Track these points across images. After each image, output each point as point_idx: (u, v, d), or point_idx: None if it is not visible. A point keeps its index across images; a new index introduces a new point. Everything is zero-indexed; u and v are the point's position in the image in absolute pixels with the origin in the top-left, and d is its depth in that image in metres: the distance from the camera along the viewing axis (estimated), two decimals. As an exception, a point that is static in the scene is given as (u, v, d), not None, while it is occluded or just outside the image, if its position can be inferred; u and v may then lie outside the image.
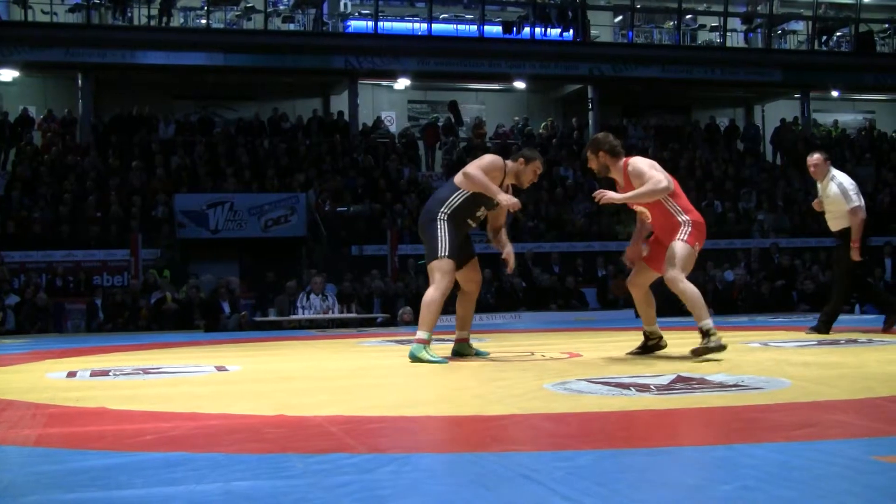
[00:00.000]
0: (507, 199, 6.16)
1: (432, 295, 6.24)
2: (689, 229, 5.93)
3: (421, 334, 6.20)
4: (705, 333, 5.78)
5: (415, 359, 6.11)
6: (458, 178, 6.40)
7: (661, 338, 6.41)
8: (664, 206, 6.01)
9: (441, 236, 6.27)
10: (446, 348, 6.68)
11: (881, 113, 27.96)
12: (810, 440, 2.95)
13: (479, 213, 6.46)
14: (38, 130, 20.61)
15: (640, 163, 6.08)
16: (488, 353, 6.66)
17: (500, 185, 6.34)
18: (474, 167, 6.30)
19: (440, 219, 6.31)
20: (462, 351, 6.61)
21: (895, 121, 27.46)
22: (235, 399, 4.57)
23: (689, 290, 5.86)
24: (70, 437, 3.43)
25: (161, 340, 10.65)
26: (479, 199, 6.34)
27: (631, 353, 6.40)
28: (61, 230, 16.76)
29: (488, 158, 6.42)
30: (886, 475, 2.49)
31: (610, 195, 5.92)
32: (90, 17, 20.62)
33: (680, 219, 5.98)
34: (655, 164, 6.10)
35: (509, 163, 6.40)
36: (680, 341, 6.66)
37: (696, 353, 5.75)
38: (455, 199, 6.32)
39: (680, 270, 5.86)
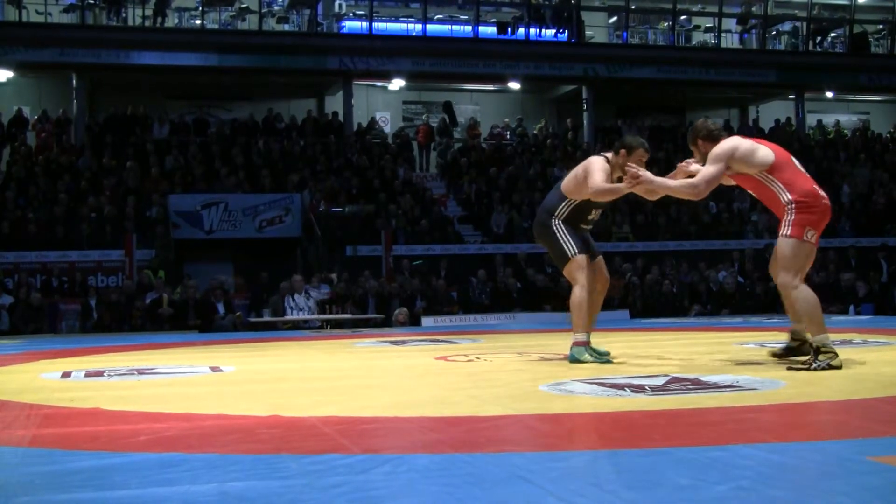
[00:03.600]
0: (628, 182, 5.86)
1: (576, 294, 6.13)
2: (793, 216, 5.10)
3: (577, 337, 6.08)
4: (816, 351, 5.00)
5: (574, 360, 5.96)
6: (565, 186, 6.26)
7: (804, 341, 5.42)
8: (766, 185, 5.28)
9: (563, 238, 6.18)
10: (440, 349, 6.66)
11: (875, 114, 28.01)
12: (805, 441, 2.96)
13: (591, 217, 6.34)
14: (33, 131, 20.54)
15: (718, 147, 5.37)
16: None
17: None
18: (594, 180, 5.99)
19: (555, 225, 6.22)
20: None
21: (889, 121, 27.51)
22: (230, 400, 4.57)
23: (801, 298, 5.08)
24: (64, 438, 3.43)
25: (155, 341, 10.62)
26: (589, 204, 6.21)
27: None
28: (56, 230, 16.71)
29: (598, 165, 6.09)
30: (880, 476, 2.50)
31: (644, 176, 5.53)
32: (84, 18, 20.55)
33: (783, 198, 5.18)
34: (734, 151, 5.31)
35: (610, 156, 6.18)
36: (675, 341, 6.66)
37: (791, 369, 5.00)
38: (563, 209, 6.22)
39: (792, 274, 5.08)
